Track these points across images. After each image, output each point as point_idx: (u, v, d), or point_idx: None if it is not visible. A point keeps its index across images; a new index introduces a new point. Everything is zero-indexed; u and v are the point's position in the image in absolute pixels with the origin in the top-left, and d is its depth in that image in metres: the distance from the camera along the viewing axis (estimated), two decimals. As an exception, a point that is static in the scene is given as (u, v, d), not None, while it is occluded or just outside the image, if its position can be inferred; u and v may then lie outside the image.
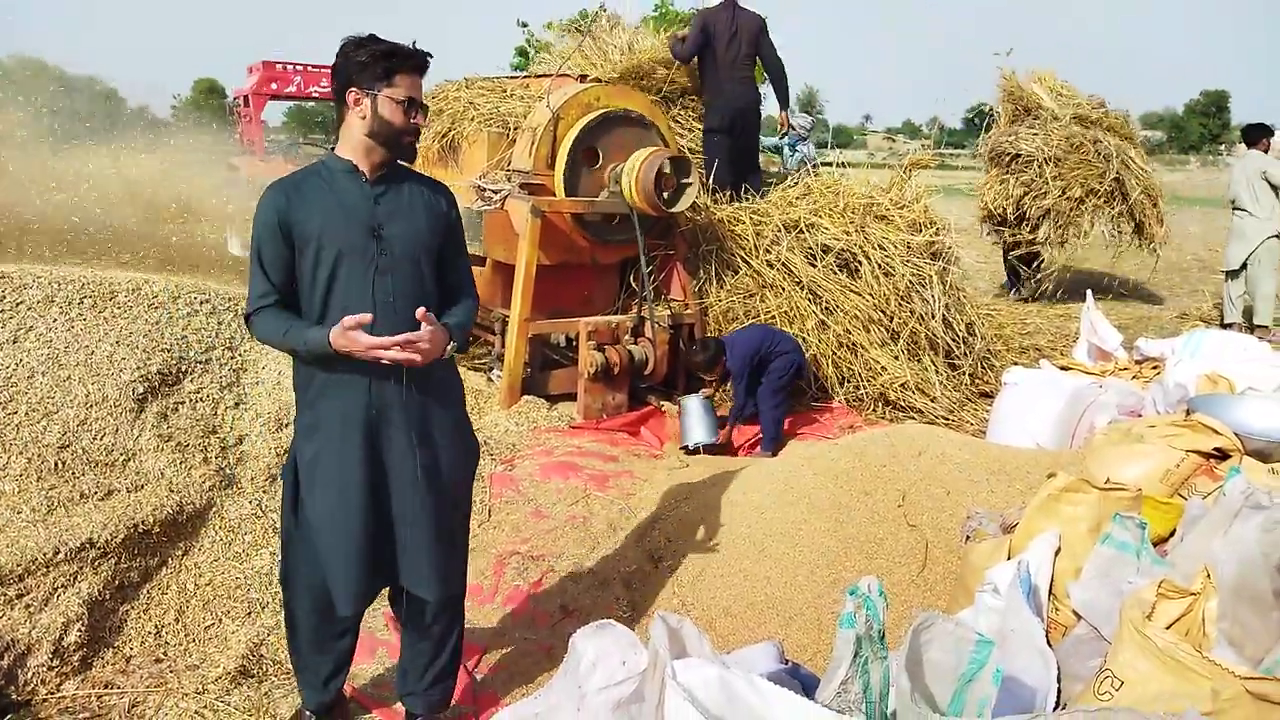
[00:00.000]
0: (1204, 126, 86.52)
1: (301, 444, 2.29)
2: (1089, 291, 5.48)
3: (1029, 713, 1.74)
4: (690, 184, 5.33)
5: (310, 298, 2.22)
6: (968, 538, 2.81)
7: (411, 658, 2.53)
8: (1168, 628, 1.72)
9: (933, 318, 5.88)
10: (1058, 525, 2.27)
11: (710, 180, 6.07)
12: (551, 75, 5.84)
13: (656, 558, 3.66)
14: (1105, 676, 1.64)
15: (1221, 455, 3.42)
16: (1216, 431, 3.37)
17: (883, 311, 5.73)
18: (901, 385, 5.56)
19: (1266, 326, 7.52)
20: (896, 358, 5.68)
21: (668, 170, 5.25)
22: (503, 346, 5.41)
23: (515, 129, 5.71)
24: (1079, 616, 2.06)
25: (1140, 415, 4.08)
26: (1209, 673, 1.53)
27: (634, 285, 5.67)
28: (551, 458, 4.59)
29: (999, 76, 9.24)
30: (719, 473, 4.30)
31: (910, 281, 5.87)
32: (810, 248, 5.85)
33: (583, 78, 5.80)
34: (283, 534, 2.40)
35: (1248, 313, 7.71)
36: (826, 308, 5.68)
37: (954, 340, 6.04)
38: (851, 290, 5.74)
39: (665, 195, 5.26)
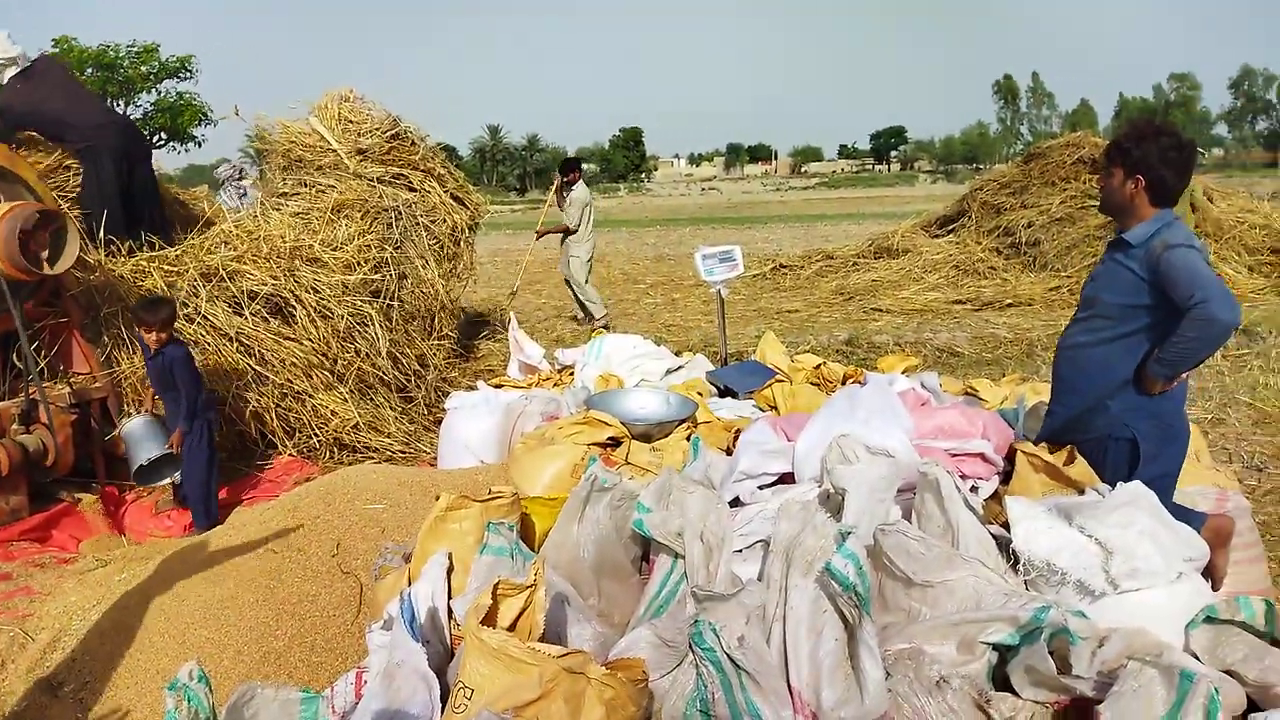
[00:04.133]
0: (626, 158, 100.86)
1: None
2: (512, 314, 5.94)
3: (413, 743, 1.74)
4: (69, 240, 4.62)
5: None
6: (376, 576, 2.79)
7: None
8: (512, 624, 1.85)
9: (379, 355, 5.88)
10: (448, 545, 2.35)
11: (101, 230, 5.32)
12: None
13: (57, 684, 3.07)
14: (460, 688, 1.70)
15: (616, 443, 3.91)
16: (607, 423, 3.84)
17: (324, 355, 5.58)
18: (354, 427, 5.46)
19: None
20: (346, 400, 5.56)
21: (38, 227, 4.48)
22: None
23: None
24: (470, 629, 2.13)
25: (557, 419, 4.49)
26: (534, 660, 1.67)
27: (19, 364, 4.76)
28: (-92, 595, 3.63)
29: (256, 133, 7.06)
30: (143, 563, 3.79)
31: (350, 321, 5.80)
32: (235, 296, 5.47)
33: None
34: None
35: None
36: (262, 359, 5.36)
37: (405, 374, 6.12)
38: (287, 338, 5.49)
39: (40, 255, 4.50)
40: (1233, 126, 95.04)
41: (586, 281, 9.66)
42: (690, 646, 1.95)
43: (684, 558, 2.29)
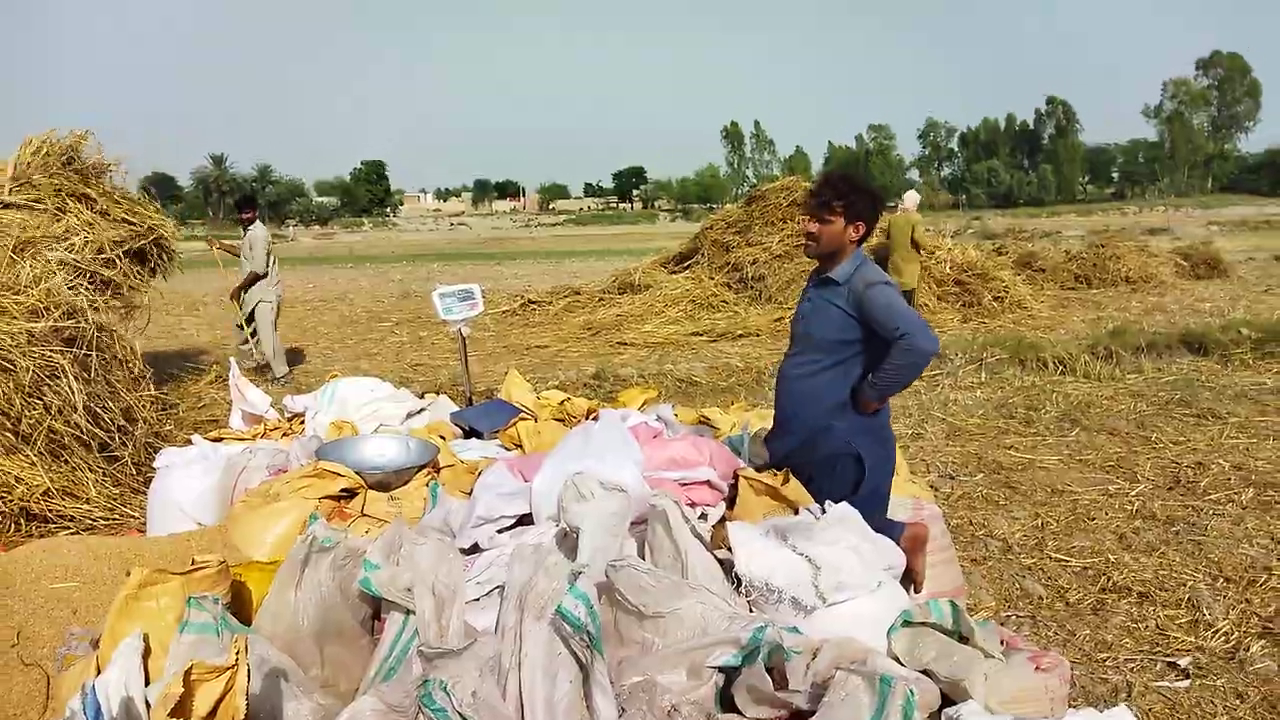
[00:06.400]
0: (370, 192, 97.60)
1: None
2: (233, 360, 5.51)
3: None
4: None
5: None
6: (61, 667, 2.45)
7: None
8: (211, 712, 1.68)
9: (75, 410, 5.22)
10: (143, 624, 2.10)
11: None
12: None
13: None
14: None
15: (351, 495, 3.71)
16: (339, 474, 3.63)
17: (5, 414, 4.88)
18: (45, 494, 4.80)
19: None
20: (34, 463, 4.89)
21: None
22: None
23: None
24: None
25: (286, 472, 4.19)
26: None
27: None
28: None
29: None
30: None
31: (37, 374, 5.12)
32: (-115, 351, 4.66)
33: None
34: None
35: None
36: (-79, 422, 4.59)
37: (108, 431, 5.48)
38: (-46, 396, 4.74)
39: None
40: (922, 172, 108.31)
41: (275, 331, 8.90)
42: (419, 708, 1.87)
43: (415, 614, 2.20)
